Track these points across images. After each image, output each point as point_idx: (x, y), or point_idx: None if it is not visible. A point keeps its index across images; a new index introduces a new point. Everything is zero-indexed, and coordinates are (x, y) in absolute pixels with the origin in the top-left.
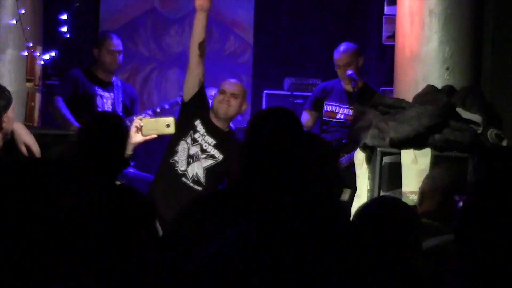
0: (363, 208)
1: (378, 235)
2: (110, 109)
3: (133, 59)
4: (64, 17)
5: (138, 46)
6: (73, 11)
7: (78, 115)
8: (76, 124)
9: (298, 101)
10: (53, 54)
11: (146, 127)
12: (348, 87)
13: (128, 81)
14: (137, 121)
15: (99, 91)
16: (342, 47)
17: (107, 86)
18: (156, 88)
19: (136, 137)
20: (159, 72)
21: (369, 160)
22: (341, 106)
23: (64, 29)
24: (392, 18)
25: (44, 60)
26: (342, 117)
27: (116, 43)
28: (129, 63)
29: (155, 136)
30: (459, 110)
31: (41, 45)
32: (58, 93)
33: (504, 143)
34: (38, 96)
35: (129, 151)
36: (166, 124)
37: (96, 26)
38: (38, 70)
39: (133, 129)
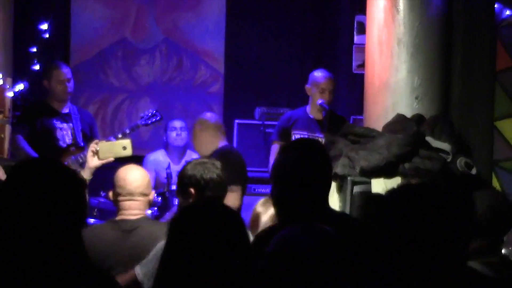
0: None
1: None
2: (70, 140)
3: (104, 89)
4: (34, 49)
5: (108, 77)
6: (43, 42)
7: (40, 150)
8: None
9: (269, 130)
10: (22, 86)
11: (102, 151)
12: (317, 115)
13: (99, 111)
14: (93, 145)
15: (58, 124)
16: (324, 73)
17: (65, 116)
18: (127, 118)
19: (93, 161)
20: (130, 102)
21: (340, 189)
22: (309, 134)
23: (35, 64)
24: (362, 47)
25: (14, 92)
26: None
27: (66, 71)
28: (100, 93)
29: (112, 159)
30: (428, 138)
31: (11, 77)
32: (18, 132)
33: (473, 171)
34: (8, 128)
35: (87, 176)
36: (122, 147)
37: (67, 57)
38: (8, 102)
39: (89, 154)
